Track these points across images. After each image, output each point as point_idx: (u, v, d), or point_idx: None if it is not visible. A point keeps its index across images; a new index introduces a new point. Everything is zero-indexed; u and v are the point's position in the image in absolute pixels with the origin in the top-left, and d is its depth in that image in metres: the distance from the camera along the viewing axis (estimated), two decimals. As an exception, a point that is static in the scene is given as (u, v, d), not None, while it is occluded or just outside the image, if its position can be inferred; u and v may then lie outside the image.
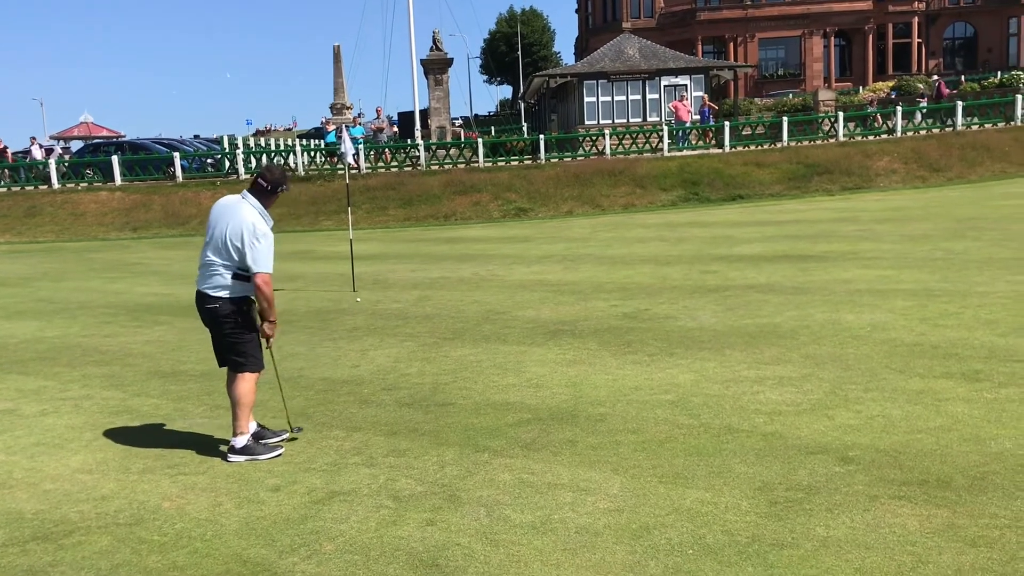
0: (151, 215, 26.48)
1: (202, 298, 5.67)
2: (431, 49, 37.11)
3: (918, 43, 59.30)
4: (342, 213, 22.32)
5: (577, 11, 72.85)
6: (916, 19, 58.93)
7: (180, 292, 13.71)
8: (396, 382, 7.50)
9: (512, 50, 78.63)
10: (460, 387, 7.22)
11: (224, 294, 5.59)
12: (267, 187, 5.61)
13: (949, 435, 5.40)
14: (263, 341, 5.79)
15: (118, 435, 6.37)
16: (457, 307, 11.08)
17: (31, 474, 5.63)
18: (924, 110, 32.12)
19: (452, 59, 37.54)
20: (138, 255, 20.43)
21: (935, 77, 40.76)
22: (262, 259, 5.49)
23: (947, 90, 35.25)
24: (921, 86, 37.97)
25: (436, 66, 36.94)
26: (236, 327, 5.65)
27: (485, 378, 7.46)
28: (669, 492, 4.75)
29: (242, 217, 5.51)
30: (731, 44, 58.46)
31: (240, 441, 5.71)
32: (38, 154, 35.50)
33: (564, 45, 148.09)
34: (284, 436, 5.98)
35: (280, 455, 5.71)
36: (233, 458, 5.65)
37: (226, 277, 5.56)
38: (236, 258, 5.50)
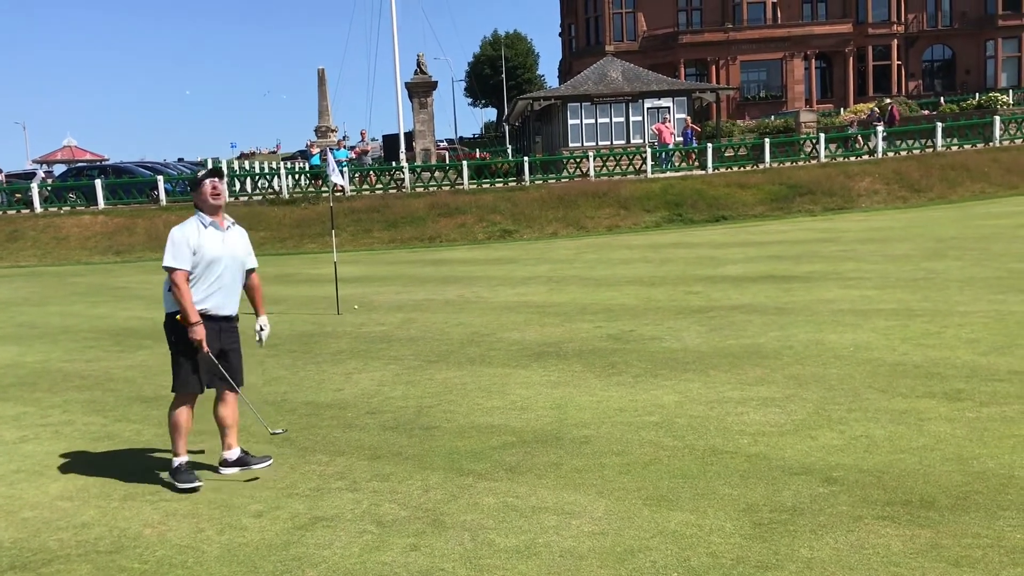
0: (134, 239, 26.35)
1: None
2: (416, 72, 37.27)
3: (898, 65, 60.01)
4: (326, 236, 22.31)
5: (560, 35, 73.35)
6: (895, 42, 59.66)
7: (163, 316, 13.61)
8: (380, 405, 7.47)
9: (496, 73, 79.03)
10: (444, 410, 7.19)
11: (165, 309, 5.70)
12: (190, 189, 5.65)
13: (932, 455, 5.42)
14: (207, 355, 5.58)
15: (99, 461, 6.31)
16: (442, 329, 11.07)
17: (10, 502, 5.56)
18: (885, 134, 32.50)
19: (437, 82, 37.70)
20: (121, 279, 20.31)
21: (888, 101, 41.51)
22: (167, 256, 5.53)
23: (899, 115, 36.00)
24: (876, 110, 38.65)
25: (421, 89, 37.08)
26: (169, 344, 5.68)
27: (469, 401, 7.45)
28: (654, 515, 4.74)
29: None
30: (713, 67, 58.95)
31: (173, 463, 5.70)
32: None
33: (548, 68, 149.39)
34: (267, 463, 5.94)
35: (196, 488, 5.51)
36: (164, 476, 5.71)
37: (165, 291, 5.68)
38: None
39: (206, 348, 5.54)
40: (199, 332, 5.50)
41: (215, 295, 5.63)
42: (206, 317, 5.60)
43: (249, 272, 5.94)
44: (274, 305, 14.10)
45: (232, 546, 4.66)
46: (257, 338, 6.04)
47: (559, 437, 6.25)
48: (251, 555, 4.54)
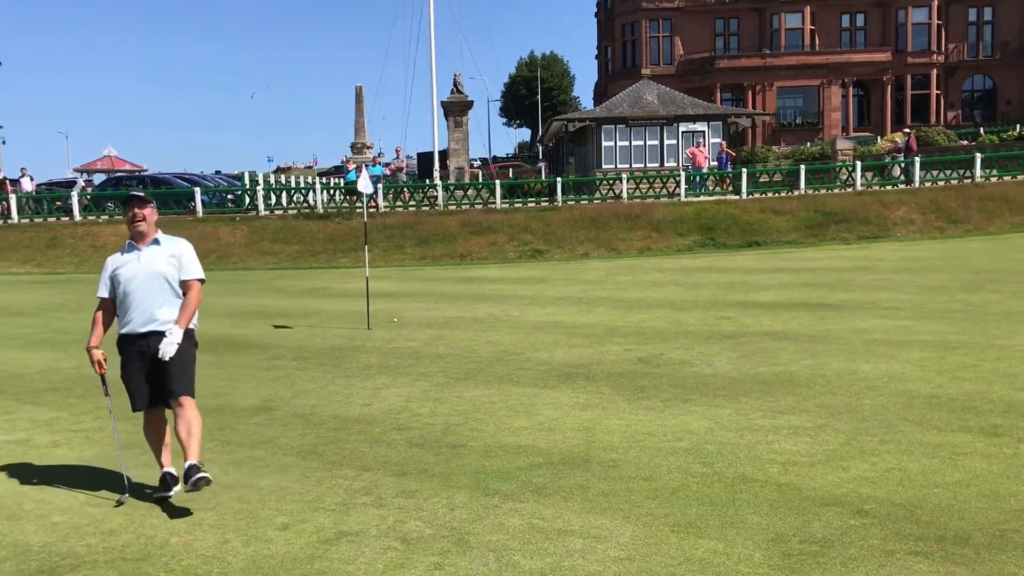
0: (170, 249, 26.60)
1: None
2: (452, 91, 37.57)
3: (937, 95, 59.41)
4: (359, 251, 22.45)
5: (597, 57, 73.49)
6: (935, 71, 59.11)
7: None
8: (407, 422, 7.47)
9: (532, 94, 79.34)
10: (471, 428, 7.18)
11: None
12: None
13: (967, 490, 5.31)
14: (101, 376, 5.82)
15: (128, 469, 6.35)
16: (470, 347, 11.07)
17: (40, 506, 5.62)
18: (903, 163, 32.14)
19: (472, 101, 38.00)
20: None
21: (906, 130, 40.93)
22: None
23: (915, 146, 35.39)
24: (898, 140, 38.17)
25: (456, 108, 37.37)
26: None
27: (497, 420, 7.42)
28: (681, 542, 4.69)
29: None
30: (750, 92, 58.73)
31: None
32: (28, 186, 35.72)
33: (583, 90, 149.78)
34: (177, 488, 5.60)
35: (164, 497, 5.60)
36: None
37: None
38: None
39: (98, 371, 5.77)
40: (92, 355, 5.73)
41: (134, 315, 5.60)
42: (132, 337, 5.63)
43: (184, 283, 5.68)
44: (306, 319, 14.20)
45: (257, 558, 4.67)
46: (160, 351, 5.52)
47: (587, 460, 6.21)
48: (276, 568, 4.54)
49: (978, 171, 30.15)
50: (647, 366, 9.48)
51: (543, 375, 9.21)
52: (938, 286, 15.06)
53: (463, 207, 29.86)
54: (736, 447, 6.38)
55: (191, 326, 5.75)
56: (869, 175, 30.99)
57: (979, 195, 28.25)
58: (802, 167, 31.19)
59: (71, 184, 40.38)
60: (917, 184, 29.94)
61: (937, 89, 59.43)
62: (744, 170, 30.69)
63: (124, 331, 5.67)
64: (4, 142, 57.46)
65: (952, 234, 25.70)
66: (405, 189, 31.41)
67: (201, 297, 5.76)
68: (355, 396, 8.55)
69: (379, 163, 38.96)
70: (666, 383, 8.59)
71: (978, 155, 30.99)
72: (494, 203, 29.78)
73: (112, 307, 5.73)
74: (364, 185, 14.18)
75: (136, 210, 5.64)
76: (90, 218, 30.55)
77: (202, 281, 5.78)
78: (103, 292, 5.74)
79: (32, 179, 37.23)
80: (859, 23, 60.34)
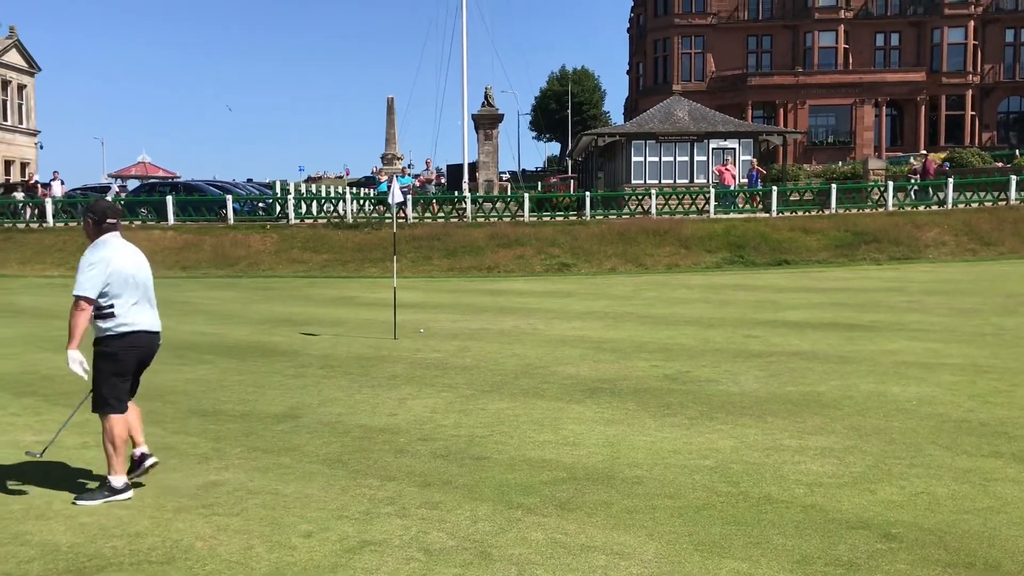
0: (201, 255, 26.96)
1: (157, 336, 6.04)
2: (483, 104, 37.70)
3: (971, 116, 58.82)
4: (387, 261, 22.56)
5: (628, 72, 73.63)
6: (970, 92, 58.54)
7: (225, 331, 13.90)
8: (432, 433, 7.48)
9: (562, 108, 79.50)
10: (496, 441, 7.18)
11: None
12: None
13: (997, 517, 5.23)
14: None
15: (155, 472, 6.40)
16: (496, 360, 11.07)
17: (68, 506, 5.69)
18: (916, 186, 31.74)
19: (503, 115, 38.07)
20: (186, 294, 20.75)
21: (923, 152, 40.30)
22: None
23: (933, 168, 34.75)
24: (913, 162, 37.71)
25: (487, 121, 37.47)
26: None
27: (521, 433, 7.42)
28: (705, 561, 4.65)
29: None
30: (781, 110, 58.47)
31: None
32: (58, 190, 36.19)
33: (614, 105, 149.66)
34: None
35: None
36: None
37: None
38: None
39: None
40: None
41: None
42: None
43: None
44: (333, 327, 14.28)
45: (280, 564, 4.69)
46: None
47: (611, 476, 6.19)
48: (299, 575, 4.56)
49: (1013, 193, 29.78)
50: (674, 383, 9.44)
51: (568, 389, 9.20)
52: (970, 309, 14.88)
53: (491, 219, 29.95)
54: (762, 467, 6.33)
55: (109, 332, 5.85)
56: (901, 195, 30.73)
57: (1013, 218, 27.91)
58: (833, 186, 31.00)
59: (105, 189, 40.87)
60: (950, 205, 29.62)
61: (972, 110, 58.85)
62: (774, 188, 30.54)
63: None
64: (42, 147, 58.33)
65: (985, 257, 25.39)
66: (434, 201, 31.55)
67: (77, 316, 5.70)
68: (381, 406, 8.58)
69: (408, 173, 39.18)
70: (692, 400, 8.55)
71: (1013, 177, 30.62)
72: (522, 216, 29.83)
73: None
74: (393, 196, 14.28)
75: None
76: (123, 223, 30.90)
77: (76, 298, 5.69)
78: None
79: (63, 183, 37.76)
80: (893, 42, 59.98)
